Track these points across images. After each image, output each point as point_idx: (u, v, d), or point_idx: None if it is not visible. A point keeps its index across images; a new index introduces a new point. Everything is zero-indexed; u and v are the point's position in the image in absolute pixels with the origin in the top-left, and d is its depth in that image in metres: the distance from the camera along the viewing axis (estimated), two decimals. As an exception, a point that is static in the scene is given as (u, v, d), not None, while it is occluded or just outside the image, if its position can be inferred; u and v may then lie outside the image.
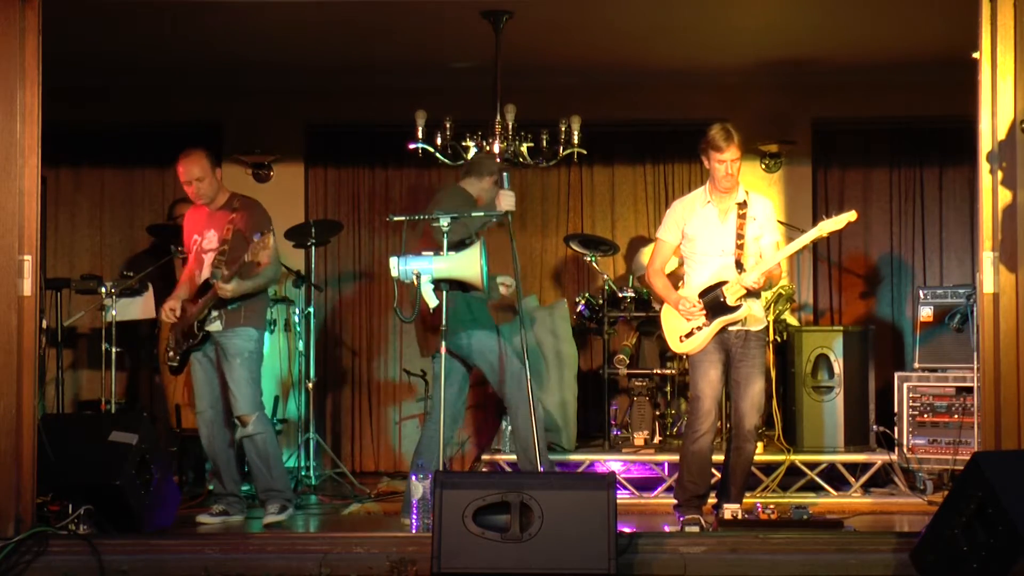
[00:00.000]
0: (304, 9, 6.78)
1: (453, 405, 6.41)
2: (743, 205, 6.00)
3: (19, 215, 5.52)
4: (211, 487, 6.88)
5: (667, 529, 6.07)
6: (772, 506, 6.02)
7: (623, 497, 6.96)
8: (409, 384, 8.83)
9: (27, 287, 5.53)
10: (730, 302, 5.93)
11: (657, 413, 7.81)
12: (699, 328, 5.99)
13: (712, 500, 6.25)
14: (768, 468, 7.23)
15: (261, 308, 6.60)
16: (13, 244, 5.49)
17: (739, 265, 5.94)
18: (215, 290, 6.31)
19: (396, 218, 6.11)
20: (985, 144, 5.49)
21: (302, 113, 9.03)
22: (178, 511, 6.37)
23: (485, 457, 7.50)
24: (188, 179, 6.44)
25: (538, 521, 4.91)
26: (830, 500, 7.09)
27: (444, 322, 5.86)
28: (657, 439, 7.70)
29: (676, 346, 6.12)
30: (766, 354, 6.38)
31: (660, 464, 7.41)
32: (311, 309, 8.12)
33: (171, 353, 6.56)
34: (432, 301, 5.79)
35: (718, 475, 6.35)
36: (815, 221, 6.07)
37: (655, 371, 7.88)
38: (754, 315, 6.00)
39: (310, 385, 7.97)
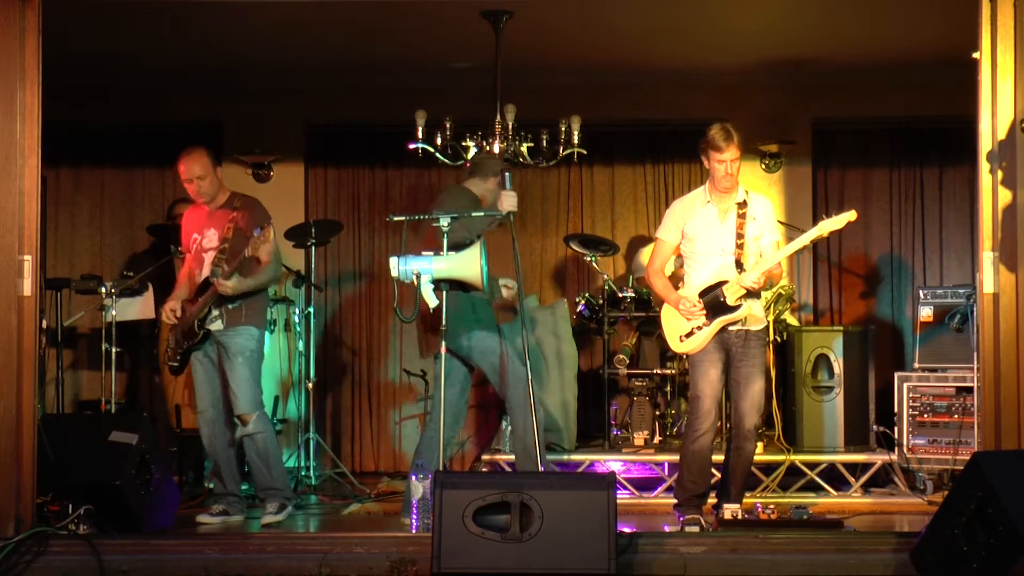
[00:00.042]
0: (304, 9, 6.78)
1: (455, 405, 6.41)
2: (743, 205, 6.00)
3: (19, 215, 5.52)
4: (211, 486, 6.88)
5: (667, 529, 6.07)
6: (772, 506, 6.02)
7: (623, 497, 6.97)
8: (409, 384, 8.83)
9: (27, 287, 5.53)
10: (730, 302, 5.93)
11: (657, 413, 7.81)
12: (699, 328, 5.99)
13: (712, 500, 6.25)
14: (768, 468, 7.23)
15: (262, 307, 6.61)
16: (13, 244, 5.49)
17: (739, 265, 5.94)
18: (215, 288, 6.31)
19: (396, 218, 6.10)
20: (985, 144, 5.49)
21: (302, 113, 9.04)
22: (178, 511, 6.37)
23: (485, 457, 7.50)
24: (189, 177, 6.43)
25: (538, 521, 4.91)
26: (830, 500, 7.09)
27: (444, 322, 5.86)
28: (657, 439, 7.70)
29: (676, 346, 6.12)
30: (766, 354, 6.39)
31: (660, 464, 7.41)
32: (311, 309, 8.12)
33: (171, 353, 6.56)
34: (432, 301, 5.78)
35: (718, 475, 6.35)
36: (815, 221, 6.07)
37: (655, 371, 7.88)
38: (754, 315, 6.01)
39: (310, 385, 7.97)
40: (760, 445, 6.88)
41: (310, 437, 7.90)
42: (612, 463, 7.43)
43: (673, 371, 7.87)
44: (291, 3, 6.57)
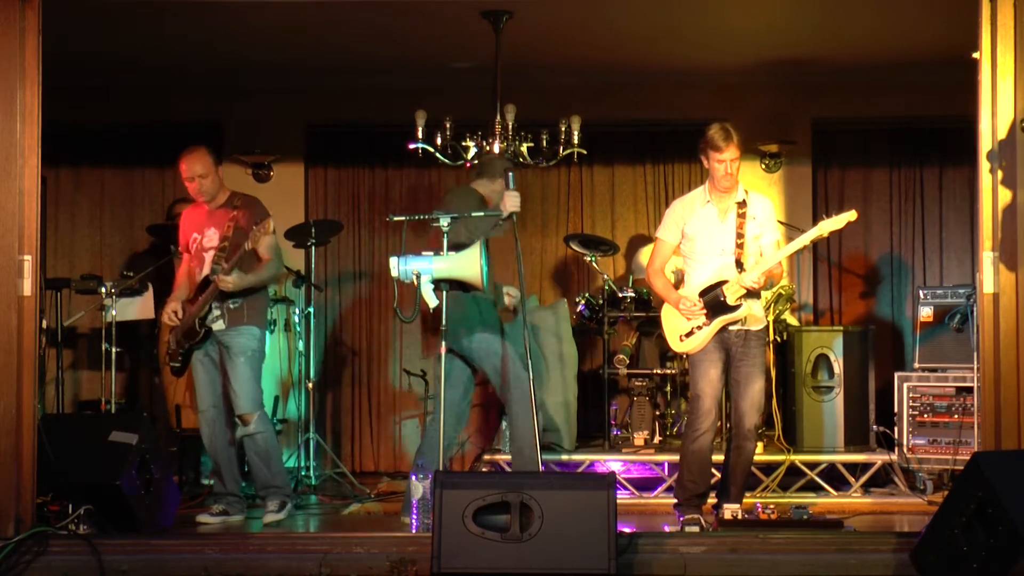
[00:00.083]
0: (304, 9, 6.78)
1: (458, 406, 6.41)
2: (743, 204, 6.00)
3: (19, 215, 5.52)
4: (211, 483, 6.88)
5: (667, 529, 6.07)
6: (772, 506, 6.02)
7: (623, 497, 6.97)
8: (409, 384, 8.83)
9: (27, 287, 5.53)
10: (730, 301, 5.93)
11: (657, 413, 7.81)
12: (699, 327, 5.99)
13: (712, 500, 6.25)
14: (768, 468, 7.23)
15: (263, 307, 6.61)
16: (13, 244, 5.49)
17: (739, 264, 5.94)
18: (215, 285, 6.31)
19: (396, 218, 6.10)
20: (985, 144, 5.49)
21: (302, 113, 9.04)
22: (178, 511, 6.37)
23: (485, 457, 7.50)
24: (191, 175, 6.43)
25: (538, 521, 4.91)
26: (830, 500, 7.09)
27: (444, 322, 5.86)
28: (657, 439, 7.70)
29: (676, 345, 6.12)
30: (766, 354, 6.38)
31: (660, 464, 7.40)
32: (311, 309, 8.12)
33: (173, 354, 6.55)
34: (432, 301, 5.78)
35: (718, 475, 6.35)
36: (815, 221, 6.06)
37: (655, 371, 7.88)
38: (754, 315, 6.01)
39: (310, 385, 7.97)
40: (760, 445, 6.89)
41: (310, 437, 7.90)
42: (612, 463, 7.43)
43: (673, 371, 7.87)
44: (291, 3, 6.57)
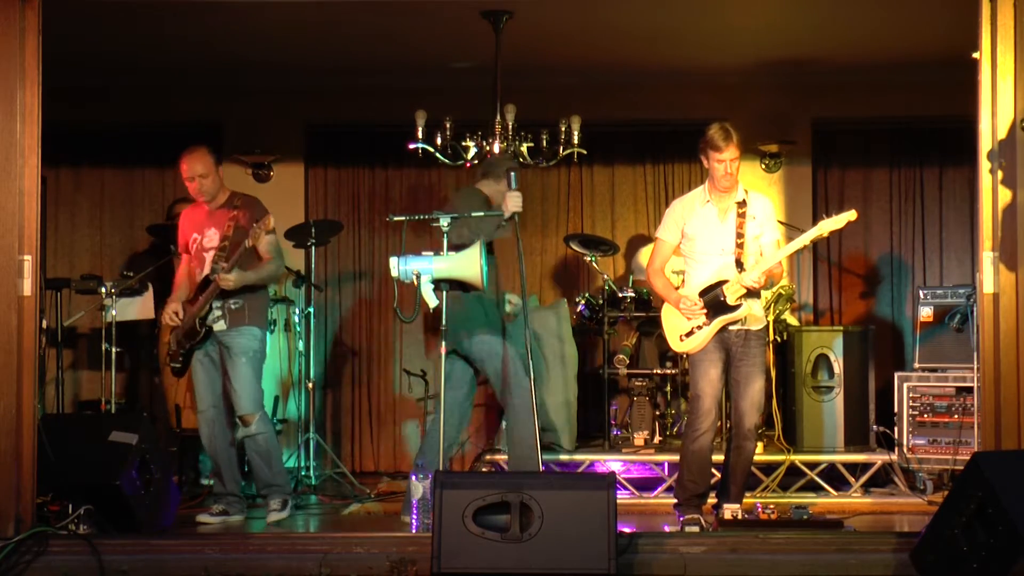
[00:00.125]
0: (304, 9, 6.77)
1: (461, 406, 6.41)
2: (742, 204, 6.00)
3: (19, 215, 5.52)
4: (211, 483, 6.88)
5: (667, 529, 6.07)
6: (772, 506, 6.02)
7: (623, 497, 6.96)
8: (409, 385, 8.82)
9: (27, 287, 5.53)
10: (730, 301, 5.93)
11: (657, 413, 7.81)
12: (699, 327, 5.99)
13: (712, 500, 6.25)
14: (768, 468, 7.23)
15: (263, 307, 6.62)
16: (13, 244, 5.49)
17: (739, 264, 5.94)
18: (216, 284, 6.31)
19: (396, 218, 6.09)
20: (985, 144, 5.49)
21: (302, 113, 9.04)
22: (178, 511, 6.38)
23: (486, 457, 7.49)
24: (191, 175, 6.43)
25: (538, 521, 4.91)
26: (830, 500, 7.09)
27: (444, 322, 5.85)
28: (657, 439, 7.70)
29: (676, 345, 6.12)
30: (766, 353, 6.38)
31: (660, 464, 7.40)
32: (311, 309, 8.12)
33: (174, 354, 6.55)
34: (432, 301, 5.78)
35: (718, 475, 6.35)
36: (815, 221, 6.06)
37: (655, 371, 7.88)
38: (754, 314, 6.01)
39: (310, 385, 7.97)
40: (760, 445, 6.88)
41: (310, 437, 7.90)
42: (612, 463, 7.43)
43: (673, 371, 7.87)
44: (291, 3, 6.57)
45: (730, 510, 5.97)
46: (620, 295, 7.85)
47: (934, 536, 4.93)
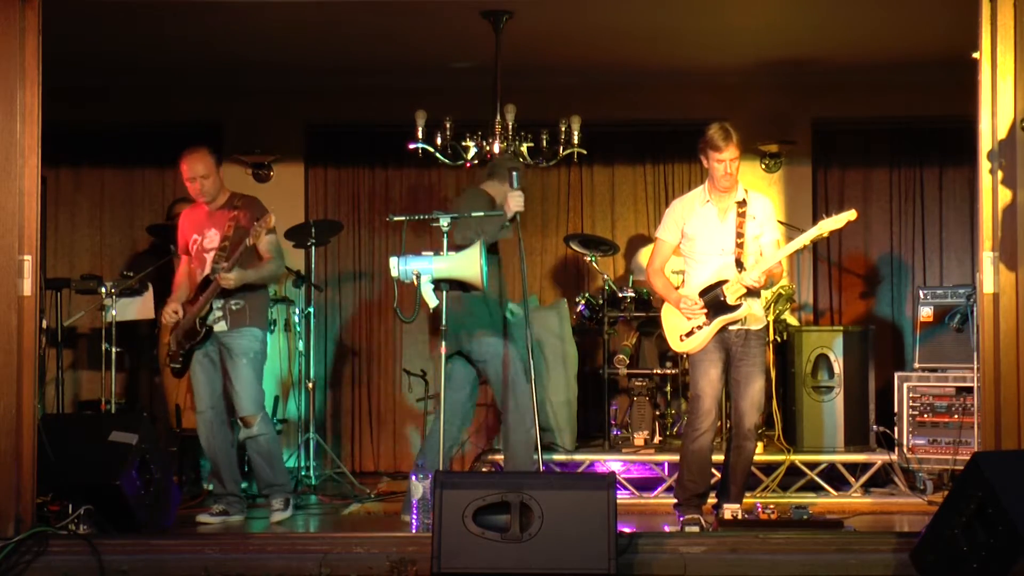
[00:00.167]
0: (304, 9, 6.77)
1: (463, 407, 6.41)
2: (742, 204, 6.00)
3: (19, 215, 5.52)
4: (210, 487, 6.88)
5: (667, 529, 6.06)
6: (772, 506, 6.02)
7: (623, 497, 6.96)
8: (409, 385, 8.82)
9: (27, 287, 5.53)
10: (730, 301, 5.93)
11: (657, 413, 7.81)
12: (699, 327, 5.99)
13: (712, 500, 6.25)
14: (768, 468, 7.23)
15: (264, 308, 6.62)
16: (13, 244, 5.49)
17: (739, 264, 5.94)
18: (216, 283, 6.31)
19: (396, 218, 6.10)
20: (985, 144, 5.49)
21: (302, 113, 9.04)
22: (178, 511, 6.38)
23: (486, 457, 7.49)
24: (192, 176, 6.43)
25: (538, 521, 4.91)
26: (830, 500, 7.09)
27: (444, 323, 5.85)
28: (657, 439, 7.70)
29: (676, 345, 6.12)
30: (766, 353, 6.38)
31: (660, 464, 7.40)
32: (311, 309, 8.12)
33: (173, 355, 6.54)
34: (432, 301, 5.78)
35: (718, 475, 6.35)
36: (815, 221, 6.06)
37: (655, 371, 7.88)
38: (754, 314, 6.01)
39: (310, 385, 7.97)
40: (760, 445, 6.88)
41: (310, 437, 7.90)
42: (612, 463, 7.43)
43: (673, 371, 7.87)
44: (291, 3, 6.57)
45: (730, 510, 5.97)
46: (620, 295, 7.85)
47: (934, 536, 4.93)
